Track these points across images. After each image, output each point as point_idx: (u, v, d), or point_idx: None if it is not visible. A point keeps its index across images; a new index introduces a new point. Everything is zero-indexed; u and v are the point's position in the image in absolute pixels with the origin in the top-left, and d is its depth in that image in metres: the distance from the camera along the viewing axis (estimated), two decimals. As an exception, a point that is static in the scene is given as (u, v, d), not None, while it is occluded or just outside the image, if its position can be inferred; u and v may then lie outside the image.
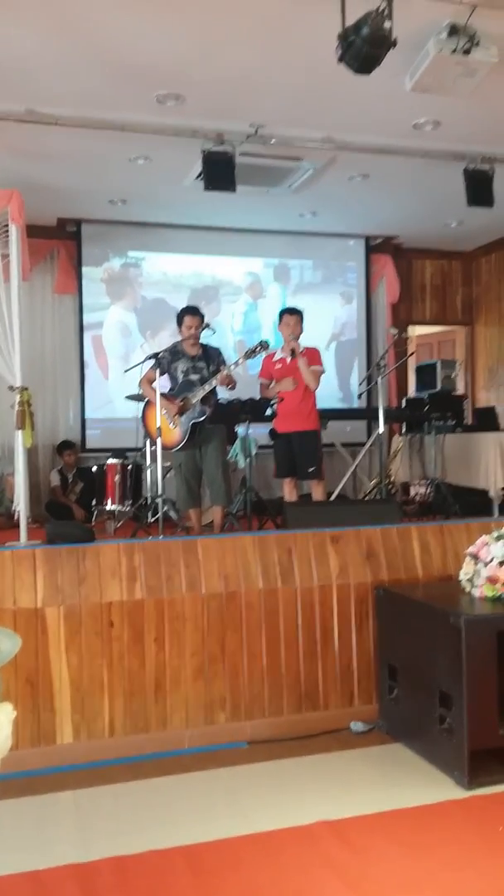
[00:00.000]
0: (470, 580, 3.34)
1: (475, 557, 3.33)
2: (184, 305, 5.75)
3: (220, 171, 5.69)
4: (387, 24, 3.77)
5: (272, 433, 5.95)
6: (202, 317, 5.44)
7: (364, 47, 3.84)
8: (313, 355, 5.63)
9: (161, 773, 3.09)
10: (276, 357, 5.62)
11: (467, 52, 4.23)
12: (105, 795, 2.92)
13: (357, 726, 3.47)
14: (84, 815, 2.78)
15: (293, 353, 5.49)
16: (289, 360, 5.51)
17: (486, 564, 3.26)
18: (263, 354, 5.47)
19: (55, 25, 4.24)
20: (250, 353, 5.33)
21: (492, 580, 3.21)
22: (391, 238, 8.75)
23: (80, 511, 6.93)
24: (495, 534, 3.33)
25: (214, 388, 5.27)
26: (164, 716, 3.35)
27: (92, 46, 4.46)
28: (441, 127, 5.65)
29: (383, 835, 2.54)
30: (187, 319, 5.38)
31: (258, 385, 5.82)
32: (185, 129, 5.52)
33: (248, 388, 5.97)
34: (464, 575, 3.38)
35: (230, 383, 5.27)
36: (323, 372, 5.68)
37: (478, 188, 6.12)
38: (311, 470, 5.56)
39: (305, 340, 5.70)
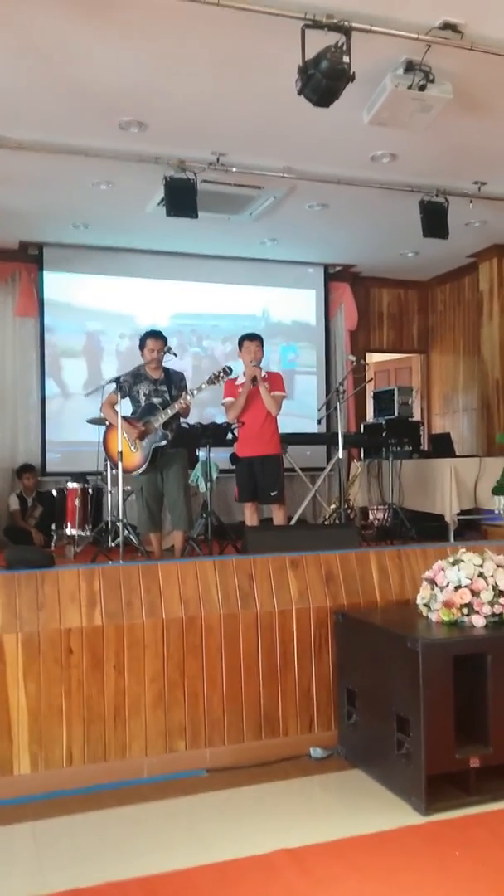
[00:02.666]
0: (427, 605, 3.38)
1: (432, 582, 3.38)
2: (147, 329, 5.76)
3: (182, 198, 5.75)
4: (345, 59, 3.89)
5: (233, 457, 5.98)
6: (165, 340, 5.46)
7: (323, 80, 3.95)
8: (275, 380, 5.68)
9: (120, 803, 3.05)
10: (239, 381, 5.65)
11: (423, 88, 4.37)
12: (63, 827, 2.88)
13: (316, 752, 3.47)
14: (42, 847, 2.73)
15: (254, 380, 5.52)
16: (251, 386, 5.54)
17: (442, 589, 3.31)
18: (226, 379, 5.51)
19: (20, 51, 4.27)
20: (213, 380, 5.37)
21: (448, 604, 3.26)
22: (349, 266, 8.91)
23: (40, 535, 6.85)
24: (451, 559, 3.39)
25: (177, 412, 5.29)
26: (123, 744, 3.32)
27: (56, 72, 4.50)
28: (398, 160, 5.80)
29: (342, 862, 2.54)
30: (150, 343, 5.40)
31: (219, 410, 5.85)
32: (147, 155, 5.59)
33: (209, 413, 6.00)
34: (421, 599, 3.43)
35: (186, 412, 5.32)
36: (285, 396, 5.73)
37: (433, 220, 6.28)
38: (273, 494, 5.58)
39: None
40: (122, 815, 2.96)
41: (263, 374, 5.61)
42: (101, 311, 8.13)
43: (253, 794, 3.13)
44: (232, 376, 5.56)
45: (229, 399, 5.64)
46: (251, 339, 5.66)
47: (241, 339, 5.72)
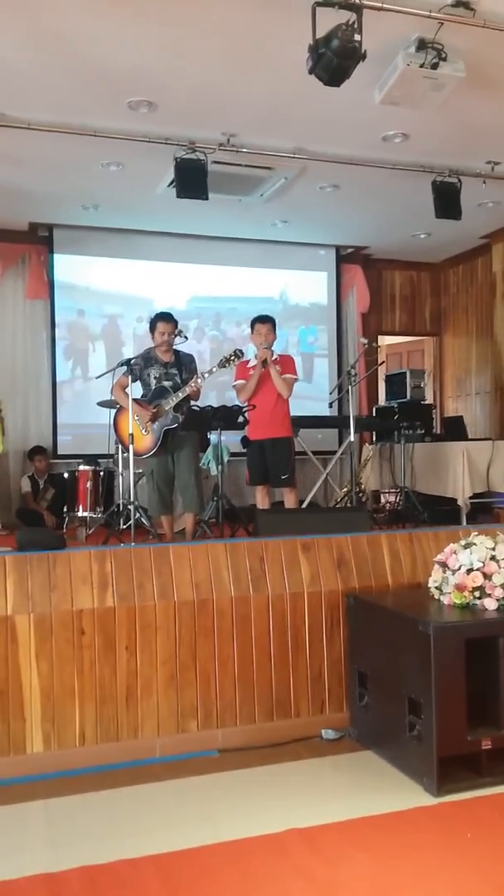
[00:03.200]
0: (439, 588, 3.38)
1: (444, 565, 3.38)
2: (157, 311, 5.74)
3: (192, 179, 5.71)
4: (356, 37, 3.84)
5: (244, 441, 5.97)
6: (175, 323, 5.45)
7: (334, 59, 3.90)
8: (287, 363, 5.65)
9: (132, 782, 3.07)
10: (251, 364, 5.63)
11: (435, 66, 4.31)
12: (75, 805, 2.90)
13: (328, 734, 3.48)
14: (54, 825, 2.76)
15: (265, 362, 5.50)
16: (261, 368, 5.52)
17: (454, 572, 3.30)
18: (236, 363, 5.49)
19: (29, 31, 4.24)
20: (224, 363, 5.36)
21: (460, 588, 3.25)
22: (361, 248, 8.84)
23: (51, 517, 6.89)
24: (463, 542, 3.38)
25: (188, 395, 5.28)
26: (135, 724, 3.34)
27: (65, 53, 4.46)
28: (410, 140, 5.74)
29: (353, 842, 2.55)
30: (160, 325, 5.39)
31: (231, 393, 5.84)
32: (157, 136, 5.55)
33: (220, 396, 5.99)
34: (433, 582, 3.42)
35: (197, 396, 5.31)
36: (297, 379, 5.71)
37: (445, 201, 6.22)
38: (283, 477, 5.58)
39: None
40: (135, 794, 2.98)
41: (275, 356, 5.59)
42: (114, 293, 8.12)
43: (264, 774, 3.15)
44: (244, 359, 5.54)
45: (240, 381, 5.63)
46: (262, 322, 5.64)
47: (253, 322, 5.71)
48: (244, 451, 6.05)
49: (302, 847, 2.51)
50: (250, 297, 8.43)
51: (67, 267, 7.92)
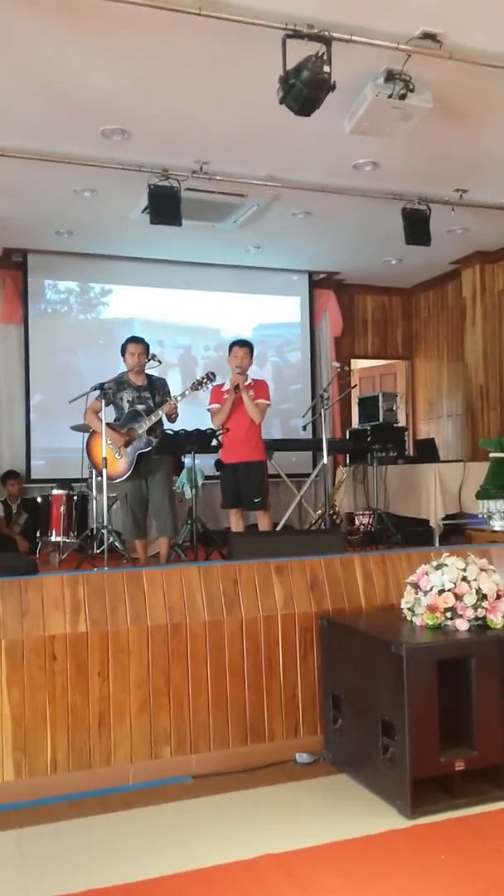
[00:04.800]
0: (411, 609, 3.40)
1: (416, 586, 3.40)
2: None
3: (165, 206, 5.77)
4: (326, 68, 3.93)
5: (218, 464, 5.98)
6: (146, 345, 5.47)
7: (304, 90, 3.99)
8: (260, 388, 5.68)
9: (105, 810, 3.03)
10: (225, 388, 5.65)
11: (403, 97, 4.41)
12: (47, 834, 2.86)
13: (302, 757, 3.47)
14: (26, 855, 2.72)
15: (237, 388, 5.51)
16: (234, 393, 5.54)
17: (426, 593, 3.32)
18: (211, 385, 5.51)
19: (2, 59, 4.28)
20: (197, 385, 5.38)
21: (432, 608, 3.27)
22: (333, 274, 8.95)
23: (24, 542, 6.83)
24: (434, 563, 3.41)
25: (161, 418, 5.29)
26: (108, 751, 3.31)
27: (39, 80, 4.51)
28: (379, 168, 5.85)
29: (328, 867, 2.54)
30: (130, 346, 5.41)
31: (205, 415, 5.86)
32: (131, 163, 5.61)
33: (194, 419, 6.00)
34: (405, 604, 3.44)
35: (173, 414, 5.32)
36: (269, 405, 5.74)
37: (415, 227, 6.34)
38: (256, 500, 5.59)
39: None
40: (108, 822, 2.95)
41: (249, 381, 5.62)
42: (88, 318, 8.13)
43: (239, 799, 3.13)
44: (217, 382, 5.56)
45: (215, 405, 5.66)
46: (240, 346, 5.66)
47: (231, 345, 5.73)
48: (218, 474, 6.06)
49: (277, 872, 2.49)
50: (219, 321, 8.48)
51: (42, 292, 7.93)
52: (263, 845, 2.66)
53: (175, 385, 6.92)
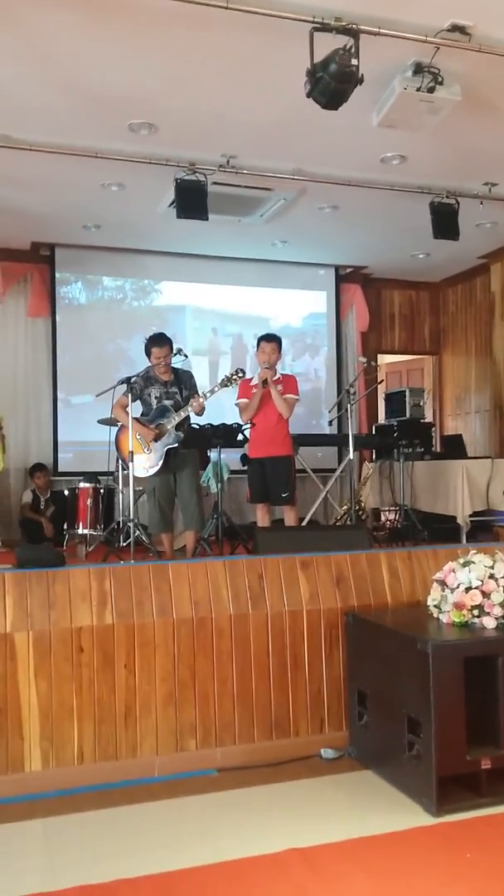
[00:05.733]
0: (437, 606, 3.38)
1: (442, 583, 3.38)
2: (152, 334, 5.71)
3: (192, 200, 5.77)
4: (353, 62, 3.90)
5: (244, 458, 5.98)
6: (170, 344, 5.45)
7: (331, 83, 3.96)
8: (289, 383, 5.64)
9: (130, 801, 3.06)
10: (254, 382, 5.63)
11: (431, 90, 4.37)
12: (73, 824, 2.89)
13: (327, 753, 3.47)
14: (52, 844, 2.75)
15: (265, 383, 5.48)
16: (262, 388, 5.51)
17: (452, 590, 3.30)
18: (238, 381, 5.50)
19: (31, 55, 4.31)
20: (226, 382, 5.38)
21: (458, 606, 3.25)
22: (360, 268, 8.90)
23: (50, 526, 6.89)
24: (462, 560, 3.39)
25: (188, 414, 5.31)
26: (133, 743, 3.33)
27: (67, 76, 4.53)
28: (407, 161, 5.80)
29: (352, 862, 2.54)
30: (155, 351, 5.39)
31: (231, 410, 5.85)
32: (157, 157, 5.61)
33: (220, 414, 6.01)
34: (431, 601, 3.42)
35: (201, 411, 5.33)
36: (298, 400, 5.70)
37: (443, 221, 6.28)
38: (283, 495, 5.57)
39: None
40: (133, 813, 2.97)
41: (277, 376, 5.59)
42: (115, 312, 8.17)
43: (263, 793, 3.14)
44: (247, 377, 5.55)
45: (243, 400, 5.62)
46: (268, 341, 5.62)
47: (259, 340, 5.70)
48: (244, 468, 6.05)
49: (301, 867, 2.49)
50: (244, 316, 8.48)
51: (70, 285, 7.99)
52: (288, 840, 2.66)
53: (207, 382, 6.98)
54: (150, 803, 3.05)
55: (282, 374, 5.69)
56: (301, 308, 8.80)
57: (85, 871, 2.51)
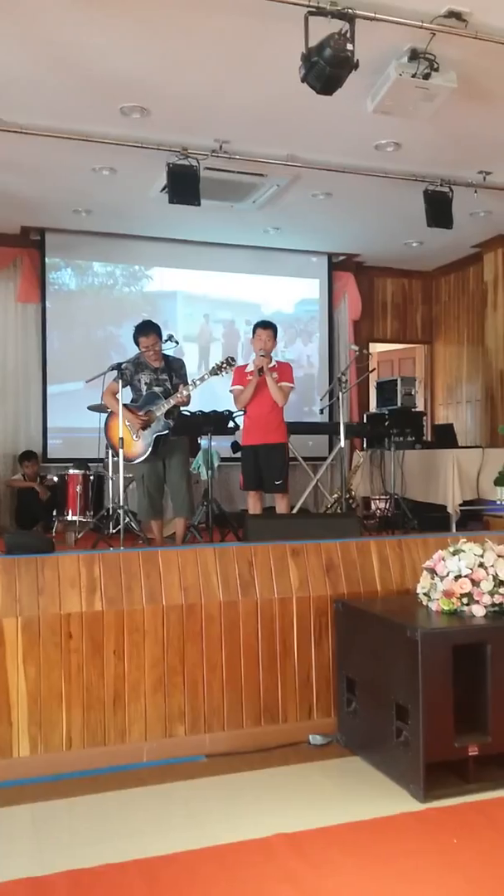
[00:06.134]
0: (427, 594, 3.39)
1: (432, 572, 3.39)
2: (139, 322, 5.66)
3: (184, 185, 5.73)
4: (349, 47, 3.87)
5: (234, 446, 5.97)
6: (158, 332, 5.42)
7: (326, 68, 3.93)
8: (284, 370, 5.62)
9: (119, 787, 3.06)
10: (248, 369, 5.60)
11: (427, 76, 4.35)
12: (62, 809, 2.89)
13: (316, 739, 3.48)
14: (40, 829, 2.75)
15: (261, 370, 5.46)
16: (257, 376, 5.48)
17: (442, 579, 3.31)
18: (229, 371, 5.48)
19: (23, 37, 4.25)
20: (216, 370, 5.36)
21: (448, 594, 3.26)
22: (353, 256, 8.88)
23: (44, 490, 6.86)
24: (452, 549, 3.39)
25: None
26: (122, 728, 3.33)
27: (59, 59, 4.48)
28: (402, 149, 5.78)
29: (340, 847, 2.55)
30: (142, 340, 5.36)
31: (221, 398, 5.84)
32: (149, 141, 5.57)
33: (214, 401, 6.00)
34: (421, 589, 3.43)
35: (186, 401, 5.31)
36: (293, 388, 5.68)
37: (437, 210, 6.26)
38: (277, 483, 5.56)
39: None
40: (122, 799, 2.97)
41: (273, 363, 5.57)
42: (105, 297, 8.12)
43: (252, 779, 3.14)
44: (241, 364, 5.52)
45: (238, 387, 5.60)
46: (264, 328, 5.59)
47: (255, 326, 5.66)
48: (234, 455, 6.04)
49: (289, 852, 2.50)
50: (236, 303, 8.44)
51: (60, 271, 7.93)
52: (275, 825, 2.67)
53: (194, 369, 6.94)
54: (139, 789, 3.05)
55: (277, 362, 5.67)
56: (293, 295, 8.77)
57: (73, 855, 2.51)
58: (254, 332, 5.64)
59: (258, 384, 5.48)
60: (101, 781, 3.11)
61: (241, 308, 8.45)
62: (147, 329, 5.38)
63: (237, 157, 5.80)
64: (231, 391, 5.70)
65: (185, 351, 7.83)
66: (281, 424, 5.63)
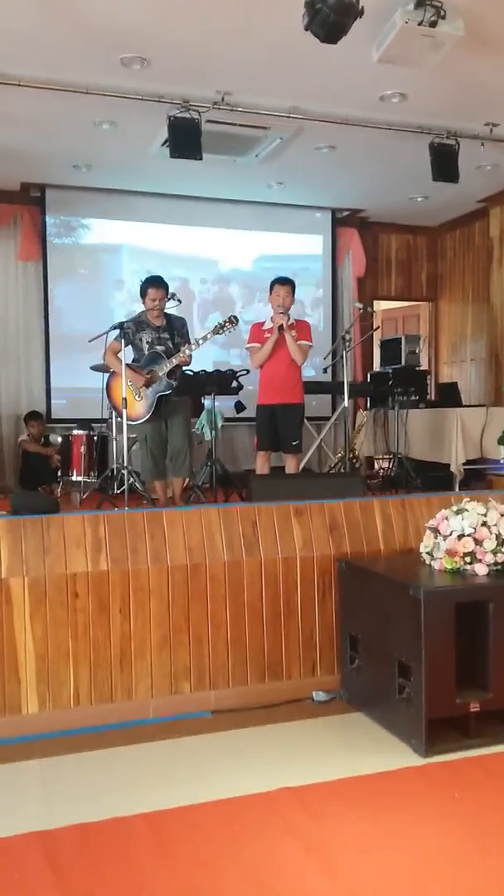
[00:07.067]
0: (430, 553, 3.40)
1: (435, 531, 3.40)
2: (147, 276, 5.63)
3: (186, 138, 5.62)
4: (354, -7, 3.75)
5: (238, 406, 5.94)
6: (166, 288, 5.38)
7: (330, 15, 3.83)
8: (303, 329, 5.51)
9: (126, 742, 3.12)
10: (266, 326, 5.51)
11: (434, 24, 4.23)
12: (70, 764, 2.95)
13: (319, 696, 3.53)
14: (49, 784, 2.81)
15: (280, 328, 5.36)
16: (277, 334, 5.40)
17: (445, 538, 3.32)
18: (232, 330, 5.41)
19: (17, -16, 4.13)
20: (218, 329, 5.30)
21: (451, 553, 3.27)
22: (357, 211, 8.74)
23: (56, 455, 6.79)
24: (455, 508, 3.40)
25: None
26: (129, 685, 3.38)
27: (57, 8, 4.36)
28: (407, 100, 5.65)
29: (343, 800, 2.60)
30: (151, 292, 5.31)
31: (224, 357, 5.79)
32: (150, 93, 5.45)
33: (214, 362, 5.97)
34: (424, 548, 3.44)
35: (187, 362, 5.27)
36: (311, 346, 5.60)
37: (443, 163, 6.14)
38: (294, 443, 5.52)
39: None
40: (128, 754, 3.03)
41: (291, 321, 5.48)
42: (107, 255, 8.02)
43: (256, 734, 3.20)
44: (259, 320, 5.42)
45: (255, 345, 5.49)
46: (281, 284, 5.45)
47: (273, 283, 5.54)
48: (238, 416, 6.01)
49: (293, 805, 2.55)
50: (240, 259, 8.35)
51: (60, 228, 7.82)
52: (280, 779, 2.72)
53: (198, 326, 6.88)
54: (145, 744, 3.10)
55: (295, 320, 5.55)
56: (296, 252, 8.65)
57: (81, 809, 2.56)
58: (271, 288, 5.50)
59: (277, 342, 5.39)
60: (108, 737, 3.16)
61: (247, 265, 8.33)
62: (157, 282, 5.34)
63: (239, 108, 5.68)
64: (248, 349, 5.60)
65: (191, 311, 7.78)
66: (298, 384, 5.53)
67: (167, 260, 8.04)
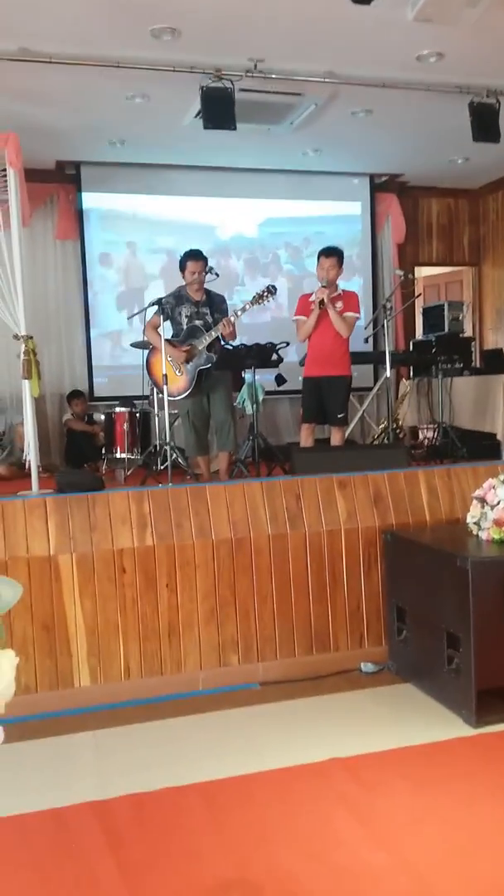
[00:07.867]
0: (477, 523, 3.36)
1: (482, 501, 3.35)
2: (186, 249, 5.60)
3: (219, 109, 5.54)
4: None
5: (279, 379, 5.90)
6: (206, 261, 5.35)
7: (366, -25, 3.71)
8: (350, 300, 5.40)
9: (176, 714, 3.17)
10: (313, 298, 5.42)
11: (473, -23, 4.07)
12: (122, 735, 3.01)
13: (367, 667, 3.54)
14: (102, 755, 2.87)
15: (321, 303, 5.28)
16: (317, 308, 5.33)
17: (492, 507, 3.27)
18: (271, 301, 5.34)
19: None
20: (257, 300, 5.26)
21: (498, 523, 3.22)
22: (396, 176, 8.56)
23: (101, 433, 6.82)
24: (502, 476, 3.34)
25: (220, 335, 5.23)
26: (178, 659, 3.42)
27: (85, -20, 4.31)
28: (445, 59, 5.48)
29: (393, 771, 2.61)
30: (190, 265, 5.29)
31: (264, 331, 5.74)
32: (181, 64, 5.37)
33: (254, 335, 5.92)
34: (471, 518, 3.40)
35: (231, 336, 5.23)
36: (358, 318, 5.51)
37: (483, 123, 5.97)
38: (340, 416, 5.47)
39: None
40: (179, 725, 3.08)
41: (338, 291, 5.39)
42: (145, 230, 8.00)
43: (305, 706, 3.22)
44: (305, 292, 5.34)
45: (301, 317, 5.42)
46: (327, 255, 5.32)
47: (319, 254, 5.40)
48: (279, 389, 5.97)
49: (343, 775, 2.57)
50: (278, 229, 8.27)
51: (97, 205, 7.82)
52: (330, 750, 2.74)
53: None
54: (195, 716, 3.15)
55: (343, 291, 5.45)
56: (335, 219, 8.51)
57: (134, 780, 2.61)
58: (318, 259, 5.41)
59: (321, 314, 5.32)
60: (159, 709, 3.22)
61: (281, 234, 8.25)
62: (196, 255, 5.31)
63: (273, 75, 5.57)
64: (294, 321, 5.55)
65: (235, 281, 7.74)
66: (345, 356, 5.45)
67: (203, 231, 7.98)
